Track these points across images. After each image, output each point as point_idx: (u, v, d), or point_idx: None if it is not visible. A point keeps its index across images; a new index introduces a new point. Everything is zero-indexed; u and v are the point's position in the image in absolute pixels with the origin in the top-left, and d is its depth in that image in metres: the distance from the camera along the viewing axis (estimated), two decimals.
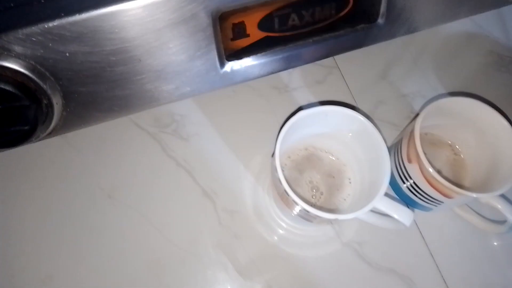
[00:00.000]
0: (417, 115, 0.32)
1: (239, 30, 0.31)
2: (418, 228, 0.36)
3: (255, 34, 0.31)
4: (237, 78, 0.33)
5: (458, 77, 0.43)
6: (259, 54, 0.33)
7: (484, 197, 0.30)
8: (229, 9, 0.29)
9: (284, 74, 0.42)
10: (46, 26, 0.24)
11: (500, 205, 0.30)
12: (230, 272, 0.34)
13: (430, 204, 0.33)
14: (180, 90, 0.32)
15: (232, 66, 0.32)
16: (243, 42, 0.32)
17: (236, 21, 0.30)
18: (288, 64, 0.34)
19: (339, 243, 0.35)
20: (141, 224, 0.35)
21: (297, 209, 0.30)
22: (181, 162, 0.38)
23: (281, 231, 0.36)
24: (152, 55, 0.28)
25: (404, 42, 0.44)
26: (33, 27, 0.24)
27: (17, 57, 0.25)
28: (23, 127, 0.25)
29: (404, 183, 0.34)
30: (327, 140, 0.35)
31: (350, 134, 0.33)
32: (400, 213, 0.29)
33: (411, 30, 0.37)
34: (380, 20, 0.35)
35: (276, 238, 0.35)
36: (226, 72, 0.32)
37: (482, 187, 0.33)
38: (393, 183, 0.36)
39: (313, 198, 0.35)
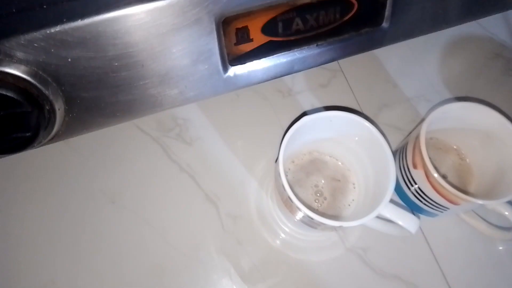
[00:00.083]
0: (423, 120, 0.32)
1: (243, 35, 0.30)
2: (423, 234, 0.36)
3: (258, 38, 0.31)
4: (240, 82, 0.33)
5: (464, 81, 0.43)
6: (262, 59, 0.33)
7: (491, 204, 0.30)
8: (232, 14, 0.28)
9: (287, 77, 0.42)
10: (48, 31, 0.24)
11: (508, 212, 0.30)
12: (233, 278, 0.33)
13: (436, 210, 0.33)
14: (183, 95, 0.31)
15: (236, 70, 0.32)
16: (246, 47, 0.31)
17: (239, 25, 0.30)
18: (292, 69, 0.34)
19: (343, 248, 0.35)
20: (143, 229, 0.35)
21: (300, 215, 0.29)
22: (184, 166, 0.37)
23: (284, 237, 0.35)
24: (155, 60, 0.28)
25: (408, 45, 0.44)
26: (35, 33, 0.24)
27: (19, 63, 0.25)
28: (25, 133, 0.25)
29: (409, 188, 0.34)
30: (332, 145, 0.35)
31: (355, 139, 0.32)
32: (406, 220, 0.28)
33: (416, 33, 0.36)
34: (385, 24, 0.34)
35: (279, 243, 0.35)
36: (229, 77, 0.32)
37: (488, 192, 0.33)
38: (397, 188, 0.36)
39: (316, 202, 0.35)
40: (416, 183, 0.33)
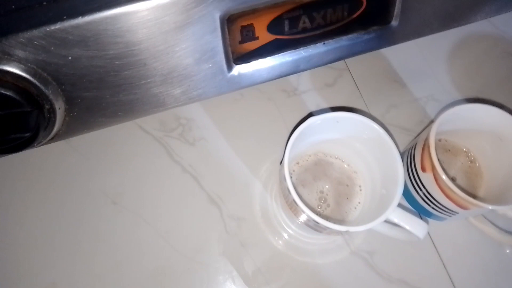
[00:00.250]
0: (432, 121, 0.31)
1: (248, 33, 0.29)
2: (431, 238, 0.35)
3: (264, 36, 0.30)
4: (244, 82, 0.32)
5: (474, 81, 0.42)
6: (267, 58, 0.32)
7: (502, 209, 0.29)
8: (237, 12, 0.28)
9: (293, 76, 0.41)
10: (48, 29, 0.24)
11: None
12: (237, 281, 0.33)
13: (444, 214, 0.32)
14: (186, 94, 0.31)
15: (240, 69, 0.31)
16: (251, 45, 0.30)
17: (244, 23, 0.29)
18: (298, 68, 0.33)
19: (348, 251, 0.34)
20: (145, 231, 0.34)
21: (305, 218, 0.29)
22: (187, 167, 0.37)
23: (288, 239, 0.35)
24: (157, 59, 0.27)
25: (417, 44, 0.43)
26: (34, 31, 0.23)
27: (19, 61, 0.24)
28: (24, 134, 0.25)
29: (417, 192, 0.33)
30: (338, 147, 0.34)
31: (362, 141, 0.32)
32: (414, 225, 0.28)
33: (425, 32, 0.35)
34: (394, 22, 0.33)
35: (283, 246, 0.34)
36: (233, 76, 0.31)
37: (498, 197, 0.32)
38: (405, 192, 0.35)
39: (319, 208, 0.34)
40: (424, 187, 0.32)
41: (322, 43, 0.32)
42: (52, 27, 0.24)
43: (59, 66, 0.25)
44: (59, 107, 0.27)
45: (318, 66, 0.34)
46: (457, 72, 0.42)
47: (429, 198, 0.32)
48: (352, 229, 0.27)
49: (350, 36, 0.33)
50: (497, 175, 0.34)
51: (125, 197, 0.35)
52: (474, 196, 0.29)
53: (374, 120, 0.30)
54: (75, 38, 0.24)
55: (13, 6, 0.24)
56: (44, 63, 0.25)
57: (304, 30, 0.31)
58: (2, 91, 0.23)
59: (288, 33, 0.31)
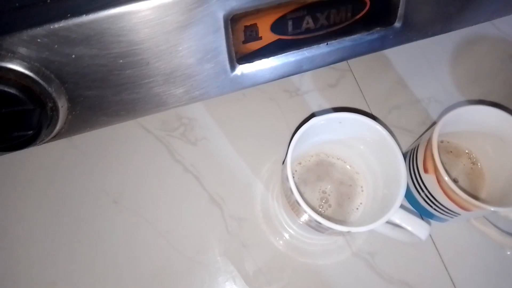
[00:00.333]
0: (434, 123, 0.31)
1: (251, 33, 0.29)
2: (432, 239, 0.35)
3: (267, 36, 0.30)
4: (247, 82, 0.32)
5: (476, 83, 0.42)
6: (270, 58, 0.32)
7: (504, 211, 0.29)
8: (241, 11, 0.28)
9: (295, 77, 0.41)
10: (51, 27, 0.24)
11: None
12: (238, 281, 0.33)
13: (446, 215, 0.32)
14: (189, 94, 0.31)
15: (243, 69, 0.31)
16: (255, 45, 0.30)
17: (248, 23, 0.29)
18: (301, 68, 0.33)
19: (349, 252, 0.34)
20: (146, 231, 0.34)
21: (307, 219, 0.29)
22: (188, 167, 0.37)
23: (290, 240, 0.35)
24: (160, 58, 0.27)
25: (419, 45, 0.43)
26: (38, 28, 0.23)
27: (22, 59, 0.24)
28: (27, 132, 0.24)
29: (419, 193, 0.33)
30: (340, 147, 0.34)
31: (364, 142, 0.32)
32: (416, 227, 0.28)
33: (429, 34, 0.35)
34: (397, 24, 0.33)
35: (285, 246, 0.34)
36: (236, 76, 0.31)
37: (500, 198, 0.32)
38: (407, 193, 0.34)
39: (320, 208, 0.34)
40: (426, 188, 0.32)
41: (325, 43, 0.32)
42: (56, 25, 0.24)
43: (62, 64, 0.25)
44: (62, 105, 0.26)
45: (321, 66, 0.34)
46: (459, 73, 0.42)
47: (431, 199, 0.32)
48: (354, 229, 0.27)
49: (353, 37, 0.33)
50: (499, 177, 0.34)
51: (126, 196, 0.35)
52: (476, 197, 0.29)
53: (376, 121, 0.30)
54: (79, 37, 0.24)
55: (16, 4, 0.24)
56: (47, 61, 0.25)
57: (308, 30, 0.31)
58: (5, 89, 0.23)
59: (291, 34, 0.31)
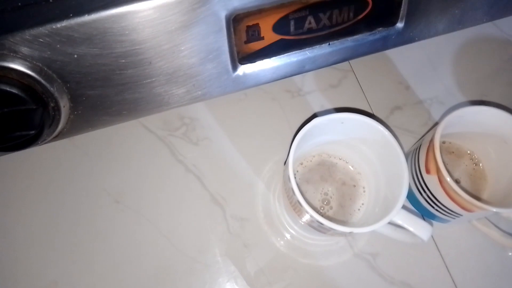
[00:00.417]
0: (436, 123, 0.31)
1: (253, 33, 0.29)
2: (434, 240, 0.35)
3: (269, 36, 0.30)
4: (249, 82, 0.32)
5: (479, 84, 0.42)
6: (272, 58, 0.32)
7: (506, 212, 0.29)
8: (243, 11, 0.28)
9: (297, 77, 0.41)
10: (54, 27, 0.24)
11: None
12: (239, 282, 0.33)
13: (448, 216, 0.32)
14: (190, 94, 0.31)
15: (245, 69, 0.31)
16: (257, 45, 0.30)
17: (250, 23, 0.29)
18: (303, 68, 0.33)
19: (351, 253, 0.34)
20: (148, 231, 0.34)
21: (309, 219, 0.28)
22: (190, 167, 0.37)
23: (291, 240, 0.34)
24: (162, 58, 0.27)
25: (422, 46, 0.43)
26: (40, 28, 0.23)
27: (24, 58, 0.24)
28: (29, 131, 0.24)
29: (421, 194, 0.33)
30: (342, 148, 0.34)
31: (366, 143, 0.32)
32: (418, 228, 0.28)
33: (431, 34, 0.35)
34: (400, 24, 0.33)
35: (286, 247, 0.34)
36: (238, 76, 0.31)
37: (503, 199, 0.32)
38: (409, 193, 0.35)
39: (322, 209, 0.34)
40: (428, 189, 0.32)
41: (328, 44, 0.32)
42: (58, 25, 0.24)
43: (65, 64, 0.25)
44: (64, 105, 0.26)
45: (323, 66, 0.34)
46: (461, 74, 0.42)
47: (433, 200, 0.32)
48: (356, 230, 0.27)
49: (355, 37, 0.33)
50: (501, 178, 0.34)
51: (127, 196, 0.35)
52: (478, 198, 0.28)
53: (378, 122, 0.30)
54: (81, 36, 0.24)
55: (19, 3, 0.24)
56: (49, 60, 0.25)
57: (310, 30, 0.31)
58: (7, 88, 0.23)
59: (293, 34, 0.31)
